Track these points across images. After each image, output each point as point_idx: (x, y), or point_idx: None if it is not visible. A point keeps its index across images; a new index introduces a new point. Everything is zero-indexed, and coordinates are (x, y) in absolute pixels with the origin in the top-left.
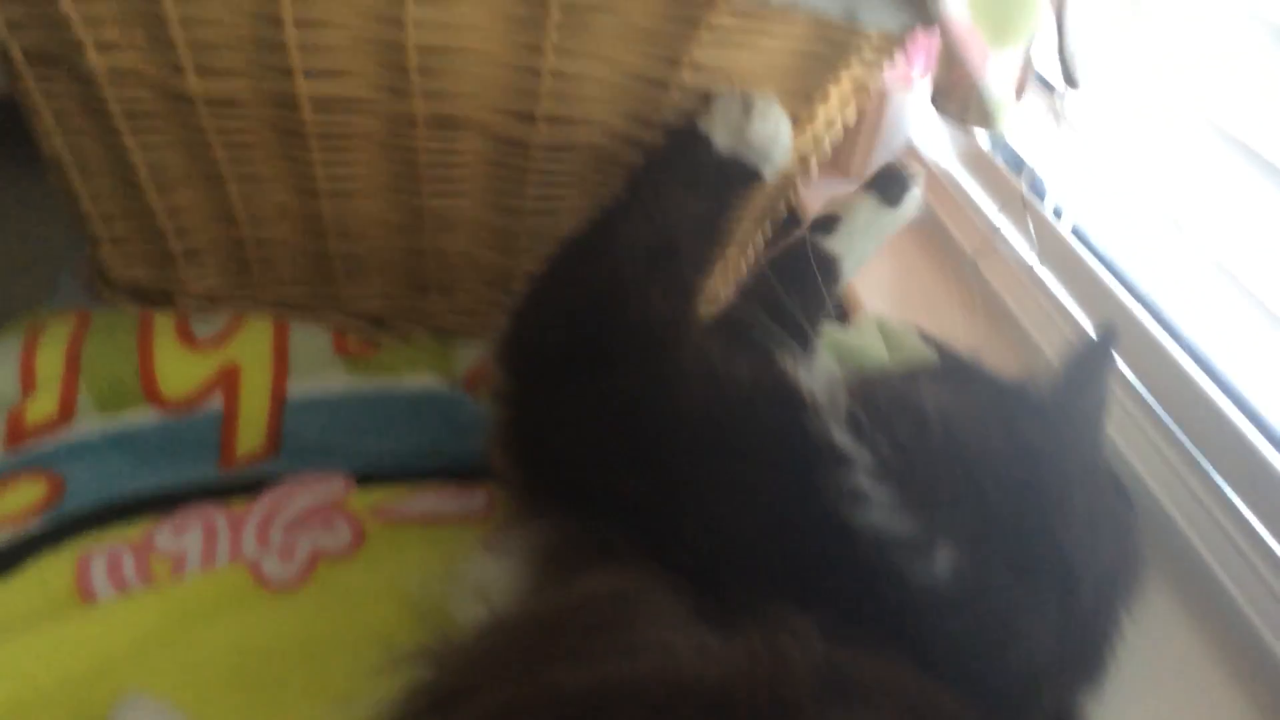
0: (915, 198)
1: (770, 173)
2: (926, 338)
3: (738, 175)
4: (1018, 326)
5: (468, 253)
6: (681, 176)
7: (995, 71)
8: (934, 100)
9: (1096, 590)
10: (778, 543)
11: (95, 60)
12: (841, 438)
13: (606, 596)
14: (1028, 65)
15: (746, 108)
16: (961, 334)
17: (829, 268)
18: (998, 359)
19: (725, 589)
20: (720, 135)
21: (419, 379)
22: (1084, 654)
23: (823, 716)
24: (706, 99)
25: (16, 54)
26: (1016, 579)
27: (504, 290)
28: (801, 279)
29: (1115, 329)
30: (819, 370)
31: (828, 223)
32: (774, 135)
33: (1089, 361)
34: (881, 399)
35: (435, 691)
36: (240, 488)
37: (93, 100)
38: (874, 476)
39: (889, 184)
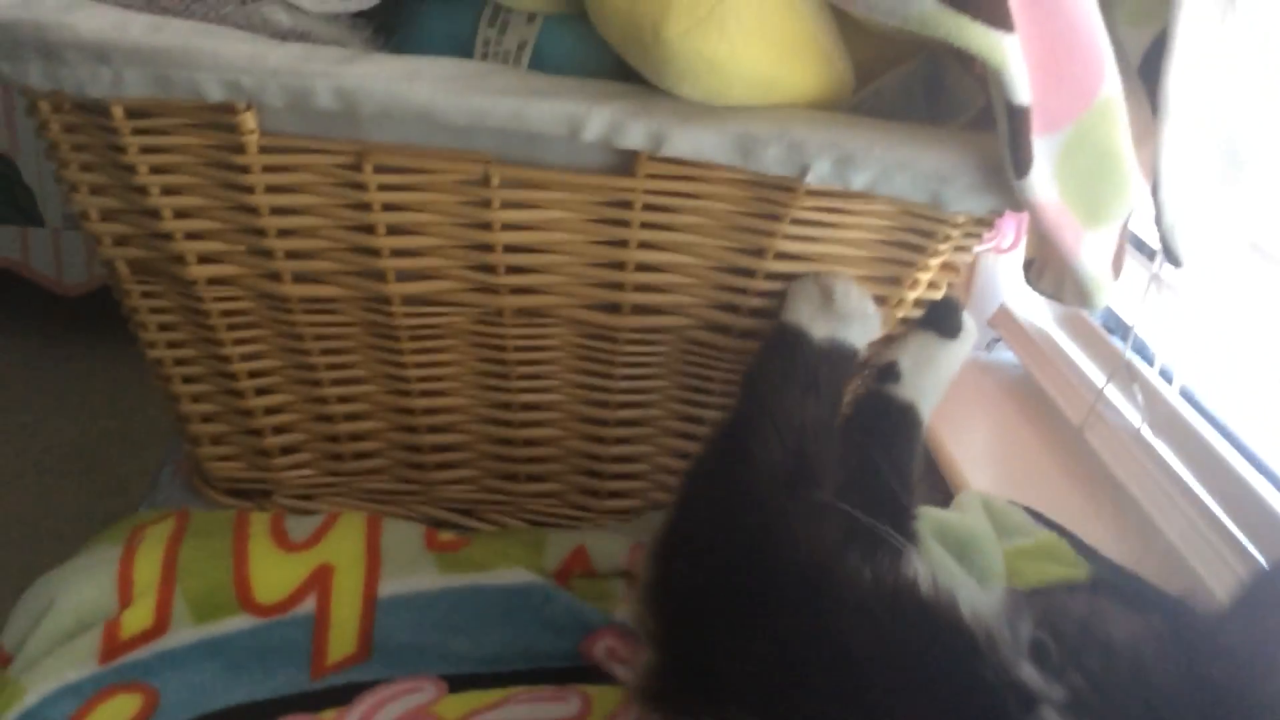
0: (971, 327)
1: (865, 346)
2: (1039, 518)
3: (840, 359)
4: (1128, 497)
5: (558, 441)
6: (794, 378)
7: (1090, 251)
8: (1028, 277)
9: None
10: None
11: (196, 271)
12: (1029, 673)
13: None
14: (1124, 239)
15: (826, 289)
16: (1068, 509)
17: (907, 418)
18: (1107, 535)
19: None
20: (812, 324)
21: (510, 573)
22: None
23: None
24: (783, 295)
25: (122, 268)
26: None
27: (593, 476)
28: (885, 440)
29: None
30: (982, 593)
31: (889, 371)
32: (861, 308)
33: (1265, 592)
34: (1065, 623)
35: None
36: (332, 696)
37: (193, 306)
38: (1066, 715)
39: (941, 317)
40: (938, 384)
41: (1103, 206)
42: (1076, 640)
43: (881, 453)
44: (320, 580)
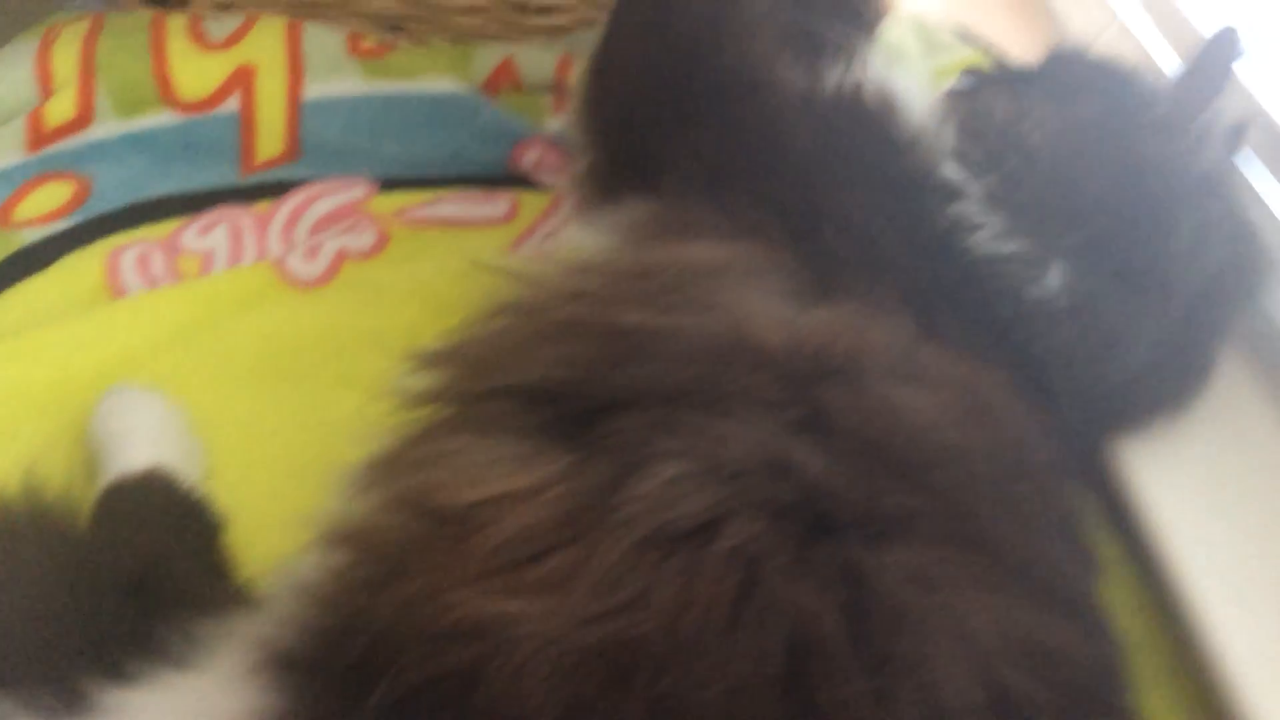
0: None
1: None
2: (970, 39)
3: None
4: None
5: None
6: None
7: None
8: None
9: (1193, 301)
10: (883, 268)
11: None
12: (952, 172)
13: (699, 263)
14: None
15: None
16: (1011, 37)
17: None
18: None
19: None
20: None
21: (438, 82)
22: (1176, 363)
23: (880, 392)
24: None
25: None
26: (1118, 289)
27: None
28: None
29: (1235, 34)
30: (922, 94)
31: None
32: None
33: (1207, 66)
34: (988, 126)
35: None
36: (263, 191)
37: None
38: (986, 206)
39: None
40: None
41: None
42: (996, 142)
43: None
44: (242, 80)
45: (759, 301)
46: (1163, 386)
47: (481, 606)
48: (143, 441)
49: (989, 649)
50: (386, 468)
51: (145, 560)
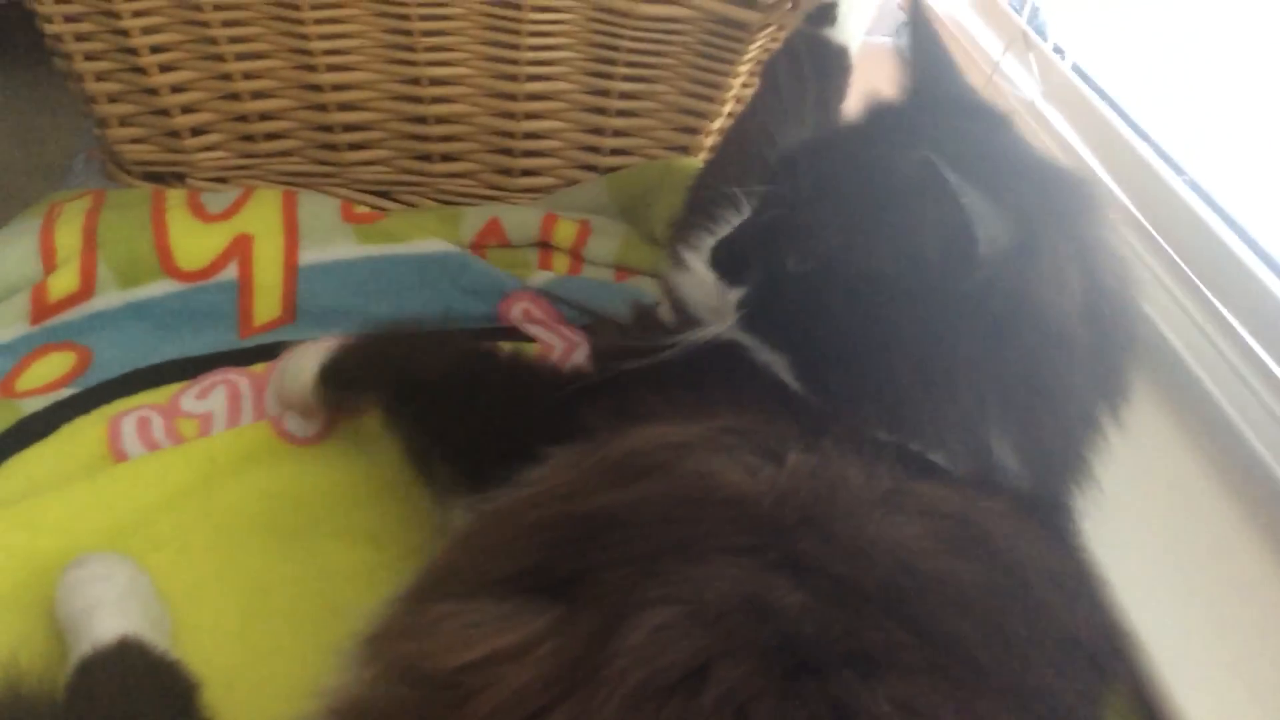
0: None
1: None
2: None
3: None
4: None
5: (469, 118)
6: None
7: None
8: None
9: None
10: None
11: None
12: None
13: (661, 441)
14: None
15: None
16: None
17: (841, 62)
18: None
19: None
20: None
21: (427, 243)
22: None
23: (855, 527)
24: None
25: None
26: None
27: (506, 154)
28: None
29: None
30: None
31: (825, 13)
32: None
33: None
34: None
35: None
36: (261, 353)
37: None
38: None
39: None
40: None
41: None
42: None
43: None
44: (240, 248)
45: (726, 460)
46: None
47: None
48: (110, 612)
49: None
50: (377, 640)
51: None
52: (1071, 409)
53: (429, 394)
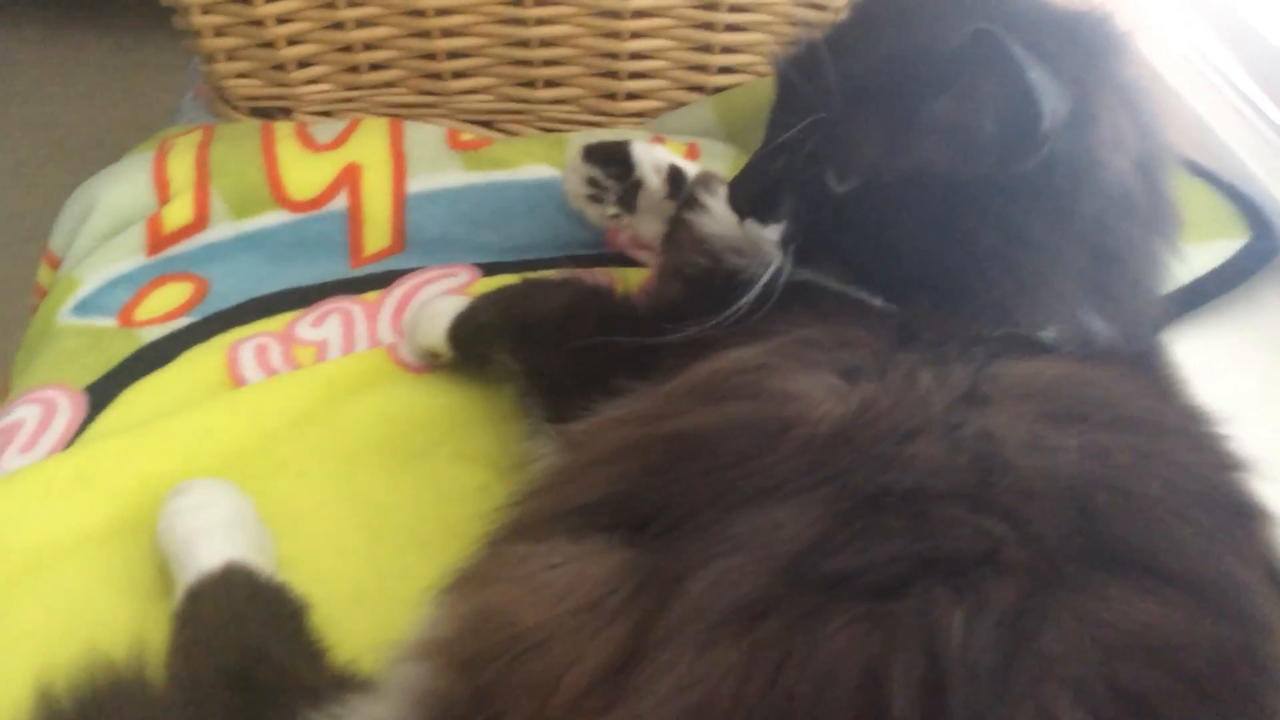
0: None
1: None
2: None
3: None
4: None
5: (574, 40)
6: None
7: None
8: None
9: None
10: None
11: None
12: None
13: (742, 363)
14: None
15: None
16: None
17: None
18: None
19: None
20: None
21: (534, 169)
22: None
23: (947, 433)
24: None
25: None
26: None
27: (611, 77)
28: None
29: None
30: None
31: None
32: None
33: None
34: None
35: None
36: (372, 282)
37: None
38: None
39: None
40: None
41: None
42: None
43: None
44: (349, 178)
45: (808, 380)
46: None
47: None
48: (214, 539)
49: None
50: (459, 584)
51: (244, 654)
52: (1140, 259)
53: (537, 334)
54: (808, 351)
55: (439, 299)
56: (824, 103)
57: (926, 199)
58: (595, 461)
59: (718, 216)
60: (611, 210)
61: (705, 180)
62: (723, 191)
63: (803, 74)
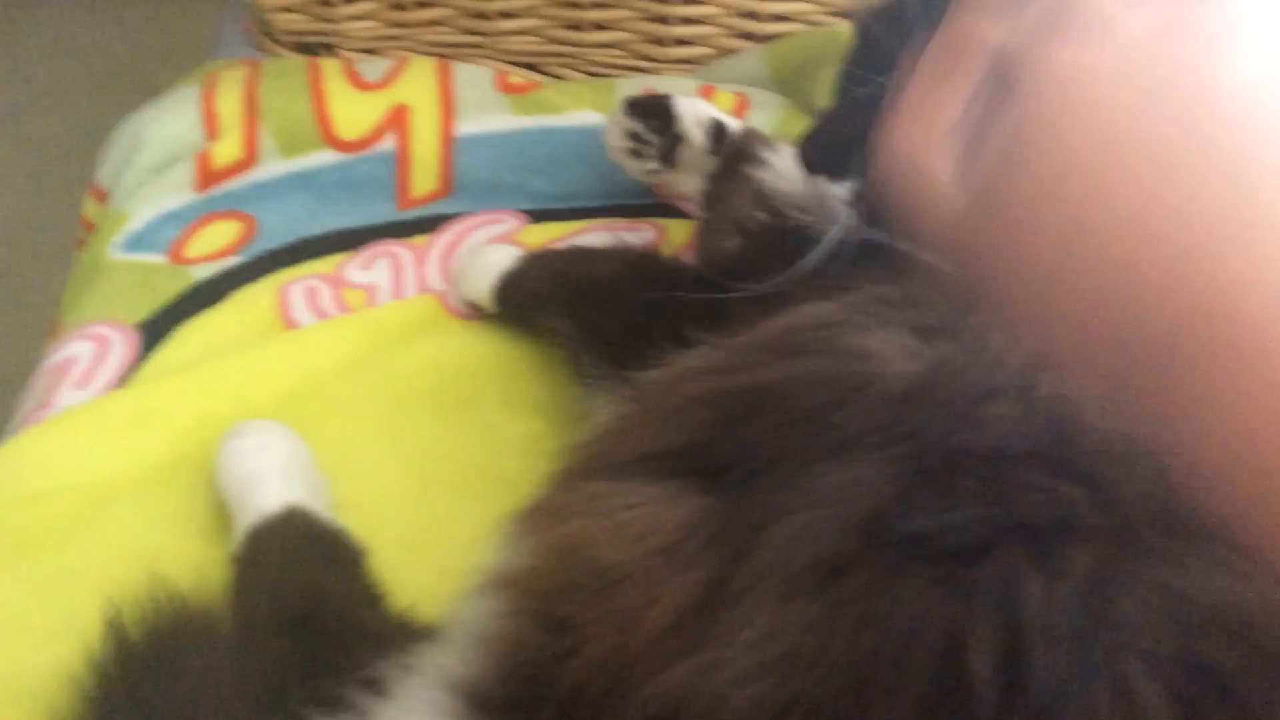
0: None
1: None
2: None
3: None
4: None
5: None
6: None
7: None
8: None
9: None
10: None
11: None
12: None
13: (820, 318)
14: None
15: None
16: None
17: None
18: None
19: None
20: None
21: (583, 115)
22: None
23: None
24: None
25: None
26: None
27: (660, 21)
28: None
29: None
30: None
31: None
32: None
33: None
34: None
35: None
36: (420, 226)
37: None
38: None
39: None
40: None
41: None
42: None
43: None
44: (398, 119)
45: (883, 338)
46: None
47: (662, 678)
48: (274, 482)
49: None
50: (534, 515)
51: (305, 598)
52: None
53: (594, 298)
54: (881, 309)
55: (488, 248)
56: (907, 56)
57: None
58: (671, 410)
59: (781, 172)
60: (651, 165)
61: (758, 136)
62: (780, 147)
63: (885, 26)
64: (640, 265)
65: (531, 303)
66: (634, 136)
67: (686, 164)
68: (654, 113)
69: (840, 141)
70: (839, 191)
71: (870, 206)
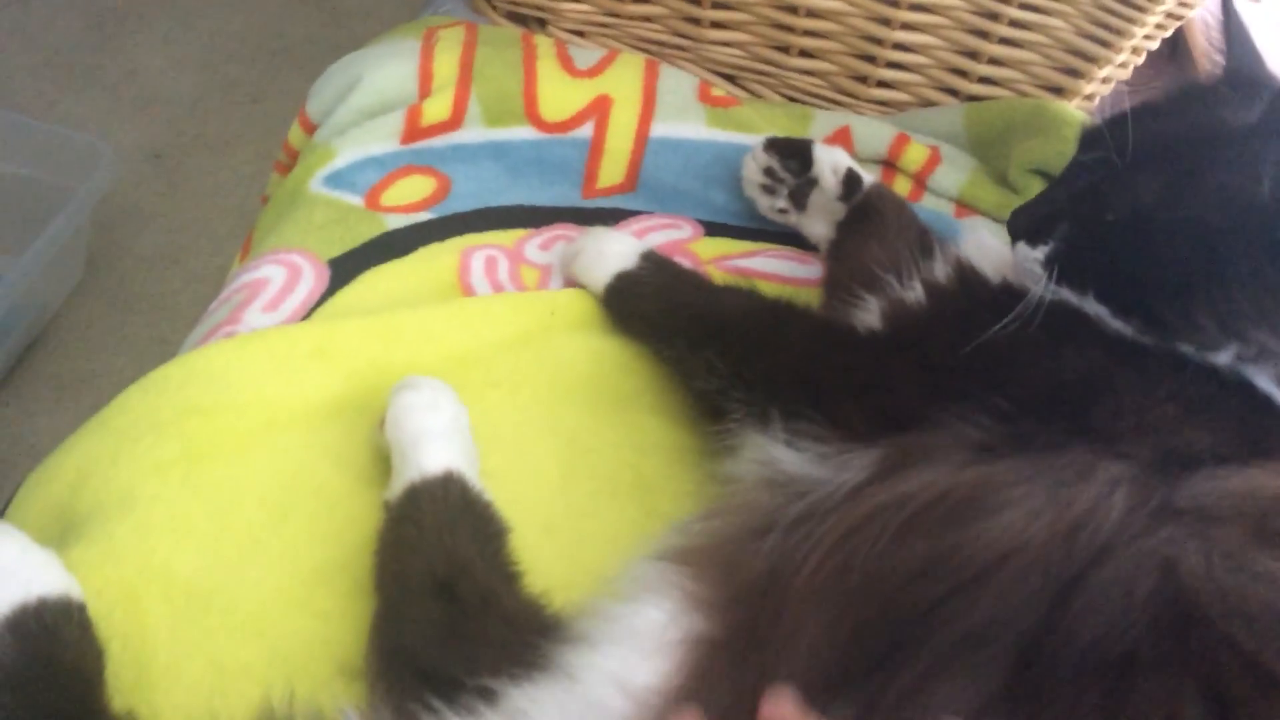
0: None
1: None
2: None
3: None
4: None
5: (841, 16)
6: None
7: None
8: None
9: None
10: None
11: None
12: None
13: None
14: None
15: None
16: None
17: None
18: None
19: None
20: None
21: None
22: None
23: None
24: None
25: None
26: None
27: (868, 60)
28: None
29: None
30: None
31: None
32: None
33: None
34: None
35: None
36: (599, 216)
37: None
38: None
39: None
40: None
41: None
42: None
43: None
44: (599, 109)
45: (1015, 514)
46: None
47: None
48: (437, 443)
49: None
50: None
51: (451, 565)
52: None
53: (733, 335)
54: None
55: (608, 234)
56: (1119, 154)
57: (1196, 236)
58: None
59: (985, 249)
60: (781, 204)
61: (889, 192)
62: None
63: (1109, 128)
64: (777, 311)
65: (644, 327)
66: (769, 173)
67: (816, 207)
68: (793, 153)
69: (1047, 213)
70: (1036, 254)
71: (1063, 266)
